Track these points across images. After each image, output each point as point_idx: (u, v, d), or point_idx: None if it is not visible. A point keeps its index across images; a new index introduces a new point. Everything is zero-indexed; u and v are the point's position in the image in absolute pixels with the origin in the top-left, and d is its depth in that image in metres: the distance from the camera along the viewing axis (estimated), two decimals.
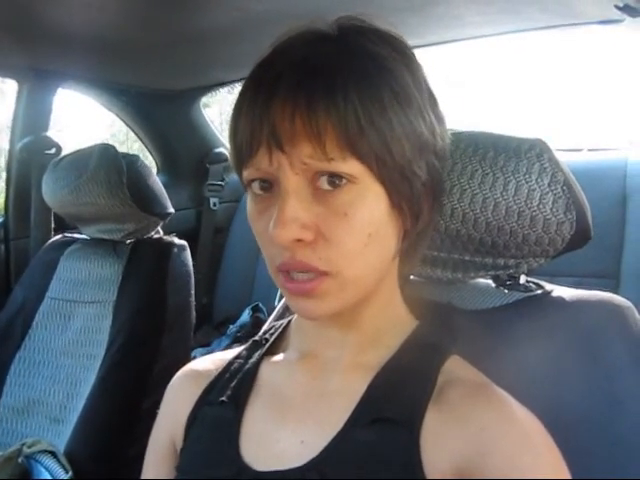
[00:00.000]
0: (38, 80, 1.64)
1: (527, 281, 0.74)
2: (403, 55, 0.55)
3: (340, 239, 0.51)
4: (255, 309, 2.11)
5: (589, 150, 1.96)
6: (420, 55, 0.58)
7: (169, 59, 1.67)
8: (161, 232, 1.47)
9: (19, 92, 1.65)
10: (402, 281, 0.64)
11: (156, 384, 1.19)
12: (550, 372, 0.65)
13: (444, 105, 0.59)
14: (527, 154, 0.66)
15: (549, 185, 0.65)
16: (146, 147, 2.16)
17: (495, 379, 0.58)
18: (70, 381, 1.31)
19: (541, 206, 0.65)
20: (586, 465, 0.60)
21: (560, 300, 0.71)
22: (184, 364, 0.68)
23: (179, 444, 0.64)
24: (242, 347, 0.69)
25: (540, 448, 0.51)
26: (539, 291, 0.73)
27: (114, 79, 1.82)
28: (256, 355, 0.66)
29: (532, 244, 0.68)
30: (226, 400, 0.62)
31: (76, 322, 1.38)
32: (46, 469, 1.02)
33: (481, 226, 0.69)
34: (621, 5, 1.10)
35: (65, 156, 1.46)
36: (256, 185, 0.53)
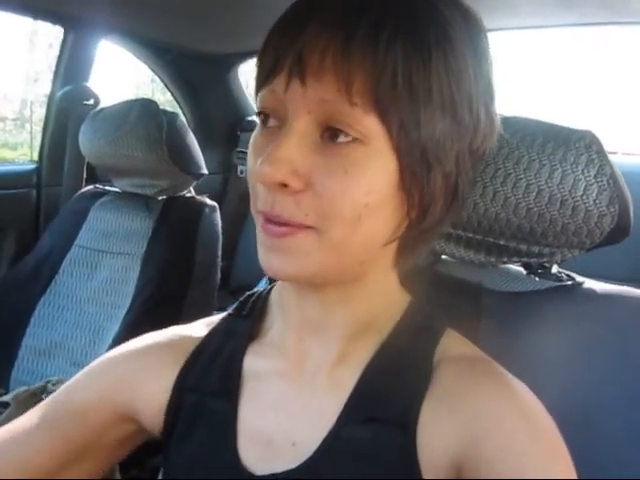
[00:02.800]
0: (84, 29, 1.65)
1: (558, 271, 0.75)
2: (469, 26, 0.47)
3: (333, 196, 0.44)
4: (272, 279, 2.13)
5: (623, 154, 1.95)
6: None
7: (213, 22, 1.67)
8: (192, 191, 1.49)
9: (64, 40, 1.66)
10: (400, 272, 0.57)
11: None
12: (575, 361, 0.66)
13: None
14: (576, 144, 0.67)
15: (595, 177, 0.66)
16: (181, 109, 2.17)
17: (518, 361, 0.56)
18: (93, 328, 1.35)
19: (585, 197, 0.66)
20: (604, 455, 0.61)
21: (591, 292, 0.72)
22: None
23: (147, 424, 0.58)
24: (214, 320, 0.62)
25: (538, 428, 0.46)
26: (570, 282, 0.74)
27: (158, 37, 1.82)
28: (239, 337, 0.58)
29: (570, 234, 0.69)
30: (216, 390, 0.56)
31: (103, 272, 1.41)
32: None
33: (521, 212, 0.69)
34: None
35: (105, 107, 1.48)
36: (261, 116, 0.49)
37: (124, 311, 1.30)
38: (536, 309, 0.71)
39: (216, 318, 0.62)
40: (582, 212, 0.67)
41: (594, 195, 0.66)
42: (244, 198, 2.40)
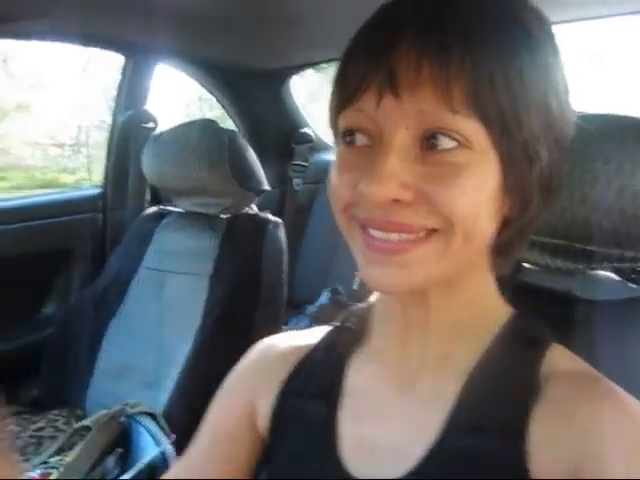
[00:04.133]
0: (142, 55, 1.69)
1: None
2: (544, 26, 0.49)
3: (450, 200, 0.44)
4: (334, 292, 2.12)
5: None
6: None
7: (265, 38, 1.68)
8: (255, 208, 1.49)
9: (124, 67, 1.71)
10: (495, 274, 0.57)
11: None
12: None
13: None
14: None
15: None
16: (235, 125, 2.19)
17: (610, 374, 0.52)
18: (164, 348, 1.36)
19: None
20: None
21: None
22: None
23: (261, 428, 0.61)
24: (319, 332, 0.64)
25: None
26: None
27: (211, 56, 1.85)
28: (341, 346, 0.60)
29: None
30: (317, 395, 0.57)
31: (170, 292, 1.43)
32: (146, 429, 1.07)
33: (614, 215, 0.65)
34: None
35: (166, 130, 1.51)
36: (348, 137, 0.48)
37: (194, 331, 1.31)
38: (631, 320, 0.67)
39: (324, 328, 0.64)
40: None
41: None
42: (301, 211, 2.41)
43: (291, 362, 0.61)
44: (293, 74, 2.17)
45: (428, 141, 0.45)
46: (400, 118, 0.44)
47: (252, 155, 1.40)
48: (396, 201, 0.45)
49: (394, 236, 0.46)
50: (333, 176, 0.50)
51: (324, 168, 2.41)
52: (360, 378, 0.57)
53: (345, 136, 0.49)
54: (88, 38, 1.55)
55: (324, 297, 2.11)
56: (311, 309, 2.08)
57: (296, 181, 2.34)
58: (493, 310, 0.55)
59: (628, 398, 0.48)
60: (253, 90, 2.11)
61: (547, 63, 0.47)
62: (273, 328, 1.31)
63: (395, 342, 0.55)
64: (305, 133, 2.32)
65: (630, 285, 0.71)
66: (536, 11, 0.49)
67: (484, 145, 0.45)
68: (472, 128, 0.44)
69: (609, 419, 0.45)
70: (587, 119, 0.60)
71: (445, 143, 0.44)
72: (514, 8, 0.47)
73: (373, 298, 0.61)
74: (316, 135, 2.41)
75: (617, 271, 0.72)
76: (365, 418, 0.54)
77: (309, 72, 2.38)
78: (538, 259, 0.73)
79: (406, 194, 0.45)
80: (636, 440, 0.44)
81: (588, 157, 0.64)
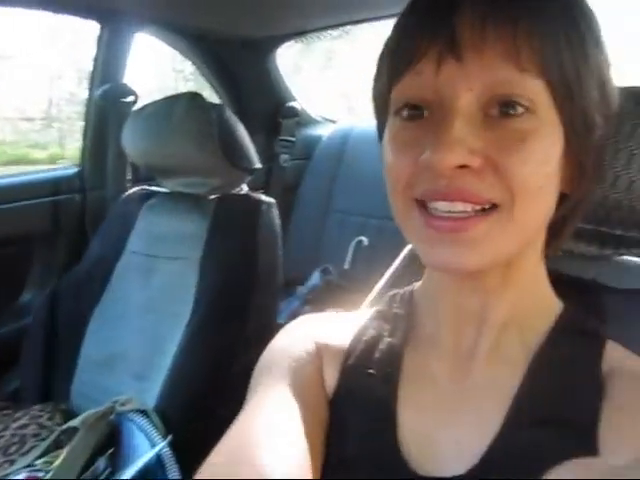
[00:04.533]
0: (118, 23, 1.57)
1: None
2: (587, 5, 0.49)
3: (515, 169, 0.43)
4: (325, 271, 2.06)
5: None
6: None
7: (249, 5, 1.58)
8: (245, 188, 1.41)
9: (100, 36, 1.59)
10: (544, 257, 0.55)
11: (247, 345, 1.15)
12: None
13: None
14: None
15: None
16: (219, 98, 2.09)
17: None
18: (153, 338, 1.28)
19: None
20: None
21: None
22: (272, 326, 0.61)
23: (322, 403, 0.56)
24: (361, 315, 0.62)
25: None
26: None
27: (193, 24, 1.74)
28: (396, 331, 0.58)
29: None
30: (377, 376, 0.55)
31: (158, 278, 1.34)
32: (138, 428, 1.00)
33: None
34: None
35: (147, 104, 1.41)
36: (405, 111, 0.46)
37: (185, 318, 1.23)
38: None
39: (366, 312, 0.62)
40: None
41: None
42: (289, 189, 2.34)
43: (347, 338, 0.59)
44: (280, 44, 2.07)
45: (494, 107, 0.44)
46: (463, 81, 0.43)
47: (242, 132, 1.31)
48: (462, 168, 0.43)
49: (459, 206, 0.44)
50: (388, 156, 0.48)
51: (312, 144, 2.33)
52: (415, 363, 0.55)
53: (401, 110, 0.47)
54: (59, 4, 1.44)
55: (315, 278, 2.05)
56: (302, 290, 2.02)
57: (283, 157, 2.25)
58: (547, 300, 0.55)
59: None
60: (238, 60, 2.01)
61: (598, 35, 0.48)
62: (270, 314, 1.24)
63: (448, 328, 0.54)
64: (292, 107, 2.23)
65: None
66: None
67: (548, 110, 0.44)
68: (539, 89, 0.44)
69: None
70: (623, 95, 0.55)
71: (512, 108, 0.43)
72: None
73: (417, 285, 0.60)
74: (302, 109, 2.32)
75: None
76: (423, 407, 0.53)
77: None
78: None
79: (475, 159, 0.43)
80: None
81: (622, 135, 0.60)
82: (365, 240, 2.08)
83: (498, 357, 0.52)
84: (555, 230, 0.53)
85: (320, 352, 0.58)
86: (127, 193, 1.55)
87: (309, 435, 0.50)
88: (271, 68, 2.12)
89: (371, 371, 0.55)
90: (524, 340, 0.52)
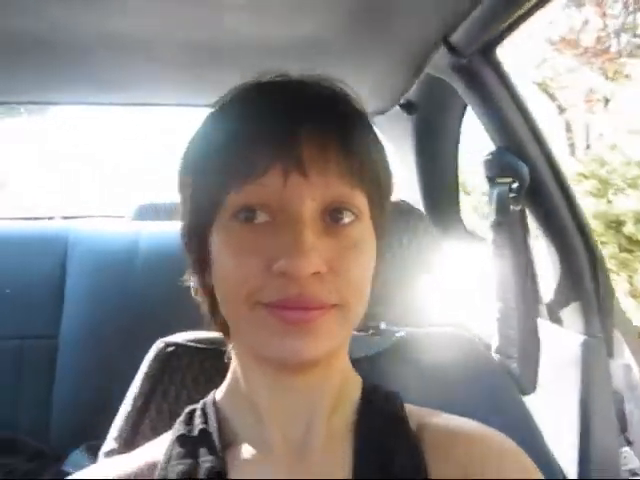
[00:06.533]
0: None
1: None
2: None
3: (349, 272, 0.49)
4: None
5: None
6: None
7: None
8: None
9: None
10: None
11: None
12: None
13: None
14: None
15: None
16: None
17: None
18: None
19: None
20: None
21: (414, 339, 0.88)
22: None
23: None
24: (156, 447, 0.57)
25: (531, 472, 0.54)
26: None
27: None
28: (209, 450, 0.54)
29: None
30: None
31: None
32: None
33: None
34: None
35: None
36: (242, 214, 0.49)
37: None
38: (385, 370, 0.83)
39: (162, 441, 0.58)
40: None
41: None
42: None
43: None
44: None
45: (327, 214, 0.50)
46: (308, 193, 0.48)
47: None
48: (314, 274, 0.47)
49: (299, 312, 0.48)
50: (225, 259, 0.50)
51: None
52: (245, 473, 0.54)
53: (238, 213, 0.50)
54: None
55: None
56: None
57: None
58: (353, 375, 0.60)
59: (489, 430, 0.57)
60: None
61: (377, 139, 0.56)
62: None
63: (276, 427, 0.54)
64: None
65: (374, 339, 0.85)
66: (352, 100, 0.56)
67: (366, 215, 0.52)
68: (362, 201, 0.51)
69: (481, 449, 0.54)
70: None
71: (346, 216, 0.50)
72: (362, 113, 0.56)
73: (218, 394, 0.60)
74: None
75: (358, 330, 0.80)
76: None
77: None
78: None
79: (323, 266, 0.48)
80: (495, 459, 0.54)
81: None
82: None
83: (329, 439, 0.55)
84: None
85: None
86: None
87: None
88: None
89: None
90: (344, 413, 0.57)
